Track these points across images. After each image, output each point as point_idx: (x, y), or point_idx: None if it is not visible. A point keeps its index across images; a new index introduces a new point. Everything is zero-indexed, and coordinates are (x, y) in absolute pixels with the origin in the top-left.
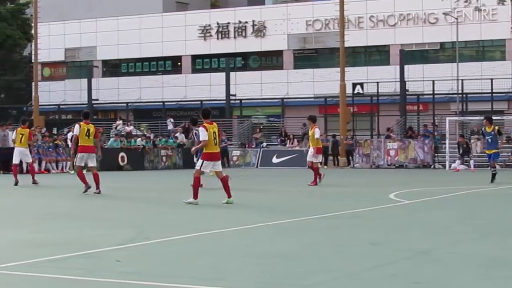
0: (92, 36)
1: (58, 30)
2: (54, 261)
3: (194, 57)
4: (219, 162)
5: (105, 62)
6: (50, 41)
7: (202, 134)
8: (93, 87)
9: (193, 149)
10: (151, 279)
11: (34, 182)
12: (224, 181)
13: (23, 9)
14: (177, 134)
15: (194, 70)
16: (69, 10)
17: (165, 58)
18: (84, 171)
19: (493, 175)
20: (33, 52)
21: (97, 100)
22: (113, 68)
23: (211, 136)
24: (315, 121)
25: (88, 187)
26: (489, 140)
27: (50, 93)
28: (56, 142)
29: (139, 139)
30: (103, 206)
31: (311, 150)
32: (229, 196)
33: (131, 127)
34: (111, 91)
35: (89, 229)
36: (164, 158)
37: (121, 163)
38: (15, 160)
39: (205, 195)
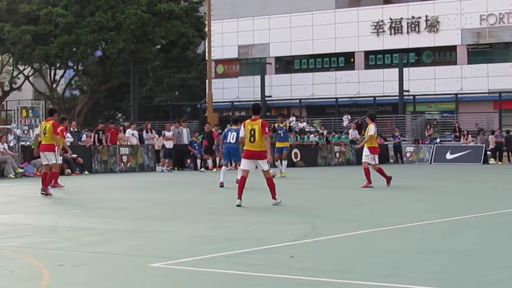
0: (265, 33)
1: (231, 27)
2: (227, 256)
3: (367, 53)
4: (261, 160)
5: (278, 59)
6: (224, 38)
7: (241, 131)
8: (266, 84)
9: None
10: (325, 275)
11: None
12: (270, 181)
13: (197, 7)
14: (349, 130)
15: (367, 66)
16: (242, 7)
17: (338, 55)
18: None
19: None
20: (206, 50)
21: (270, 96)
22: (286, 64)
23: (247, 133)
24: (374, 119)
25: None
26: None
27: (224, 90)
28: None
29: (312, 135)
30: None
31: (365, 150)
32: (273, 197)
33: (304, 124)
34: (284, 87)
35: (262, 224)
36: (337, 154)
37: (294, 160)
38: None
39: (380, 192)
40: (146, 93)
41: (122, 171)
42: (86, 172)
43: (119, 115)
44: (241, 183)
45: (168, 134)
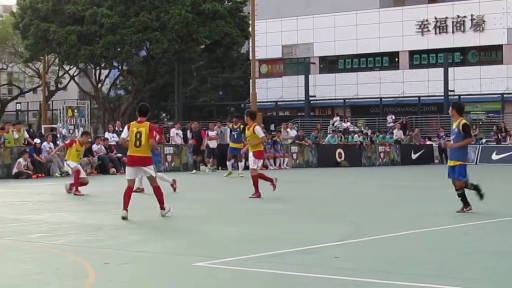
0: (309, 33)
1: (275, 27)
2: (271, 256)
3: (412, 53)
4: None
5: (322, 59)
6: (267, 38)
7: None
8: (310, 84)
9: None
10: (368, 276)
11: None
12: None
13: (241, 7)
14: (394, 130)
15: (412, 66)
16: (286, 7)
17: (382, 54)
18: None
19: None
20: (250, 50)
21: (314, 96)
22: (330, 64)
23: (132, 136)
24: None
25: None
26: None
27: (268, 90)
28: (274, 139)
29: (356, 135)
30: (320, 201)
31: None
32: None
33: (348, 123)
34: (328, 87)
35: (305, 224)
36: (381, 155)
37: (339, 159)
38: None
39: (424, 192)
40: (190, 92)
41: (167, 170)
42: None
43: (164, 114)
44: (128, 194)
45: (211, 133)
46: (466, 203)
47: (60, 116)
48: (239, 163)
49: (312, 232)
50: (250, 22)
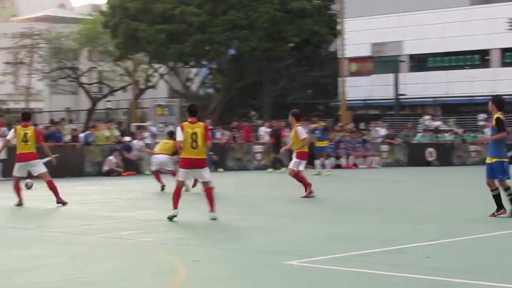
0: (398, 31)
1: (363, 25)
2: (358, 255)
3: (503, 50)
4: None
5: (411, 57)
6: (356, 36)
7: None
8: (400, 82)
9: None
10: (459, 276)
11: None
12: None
13: (329, 5)
14: (485, 129)
15: (504, 64)
16: (374, 5)
17: (472, 52)
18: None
19: None
20: (339, 48)
21: (403, 95)
22: (420, 62)
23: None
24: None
25: (20, 202)
26: None
27: (357, 88)
28: (364, 137)
29: (447, 134)
30: (409, 200)
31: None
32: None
33: (439, 122)
34: (418, 86)
35: (393, 224)
36: (473, 154)
37: (429, 158)
38: None
39: None
40: (280, 91)
41: (257, 168)
42: (221, 170)
43: (253, 113)
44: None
45: None
46: (500, 206)
47: (150, 115)
48: (325, 161)
49: (401, 232)
50: (339, 20)
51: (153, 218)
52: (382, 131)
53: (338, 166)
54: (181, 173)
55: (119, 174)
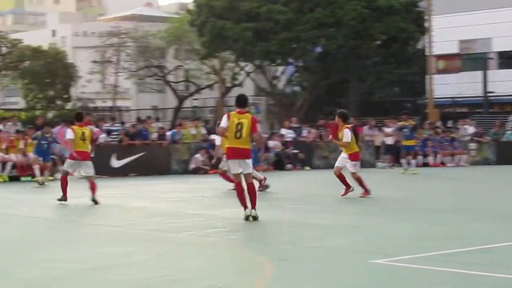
0: (487, 27)
1: (451, 22)
2: (444, 255)
3: None
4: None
5: (500, 54)
6: (444, 33)
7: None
8: (489, 80)
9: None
10: None
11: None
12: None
13: (417, 2)
14: None
15: None
16: (462, 1)
17: None
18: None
19: None
20: (427, 45)
21: (492, 92)
22: (509, 59)
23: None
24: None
25: (65, 198)
26: None
27: (444, 86)
28: (452, 135)
29: None
30: (495, 199)
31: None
32: (253, 207)
33: None
34: (507, 83)
35: (480, 222)
36: None
37: None
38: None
39: None
40: (366, 89)
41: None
42: (307, 168)
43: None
44: (240, 189)
45: (388, 130)
46: None
47: None
48: (412, 160)
49: (487, 231)
50: (426, 17)
51: (239, 216)
52: (470, 129)
53: (425, 165)
54: (231, 164)
55: (205, 172)
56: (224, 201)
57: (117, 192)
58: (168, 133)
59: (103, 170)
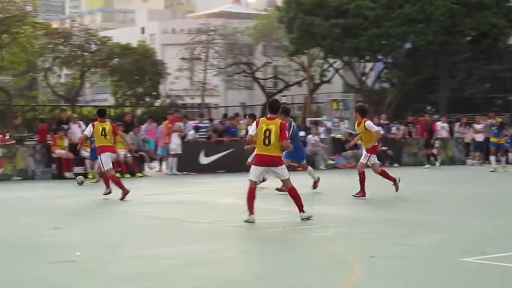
0: None
1: None
2: None
3: None
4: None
5: None
6: None
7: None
8: None
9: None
10: None
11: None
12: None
13: None
14: None
15: None
16: None
17: None
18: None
19: None
20: None
21: None
22: None
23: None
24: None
25: (126, 191)
26: None
27: None
28: None
29: None
30: None
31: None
32: (300, 210)
33: None
34: None
35: None
36: None
37: None
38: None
39: None
40: (456, 85)
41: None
42: (396, 165)
43: (429, 107)
44: (251, 196)
45: (478, 127)
46: None
47: (324, 109)
48: (502, 157)
49: None
50: None
51: (329, 213)
52: None
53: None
54: (252, 171)
55: (294, 169)
56: (314, 198)
57: (205, 189)
58: None
59: (192, 166)
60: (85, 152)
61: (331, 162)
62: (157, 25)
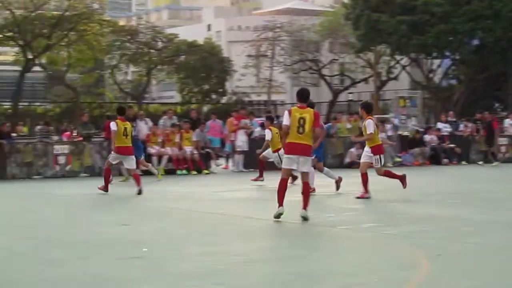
0: None
1: None
2: None
3: None
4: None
5: None
6: None
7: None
8: None
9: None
10: None
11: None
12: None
13: None
14: None
15: None
16: None
17: None
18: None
19: None
20: None
21: None
22: None
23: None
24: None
25: (106, 189)
26: None
27: None
28: None
29: None
30: None
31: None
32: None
33: None
34: None
35: None
36: None
37: None
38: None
39: None
40: None
41: (501, 161)
42: (464, 162)
43: (497, 104)
44: (283, 187)
45: None
46: None
47: (391, 106)
48: None
49: None
50: None
51: (394, 211)
52: None
53: None
54: (285, 159)
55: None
56: (379, 195)
57: (271, 186)
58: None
59: (258, 163)
60: (152, 149)
61: (398, 159)
62: (223, 22)
